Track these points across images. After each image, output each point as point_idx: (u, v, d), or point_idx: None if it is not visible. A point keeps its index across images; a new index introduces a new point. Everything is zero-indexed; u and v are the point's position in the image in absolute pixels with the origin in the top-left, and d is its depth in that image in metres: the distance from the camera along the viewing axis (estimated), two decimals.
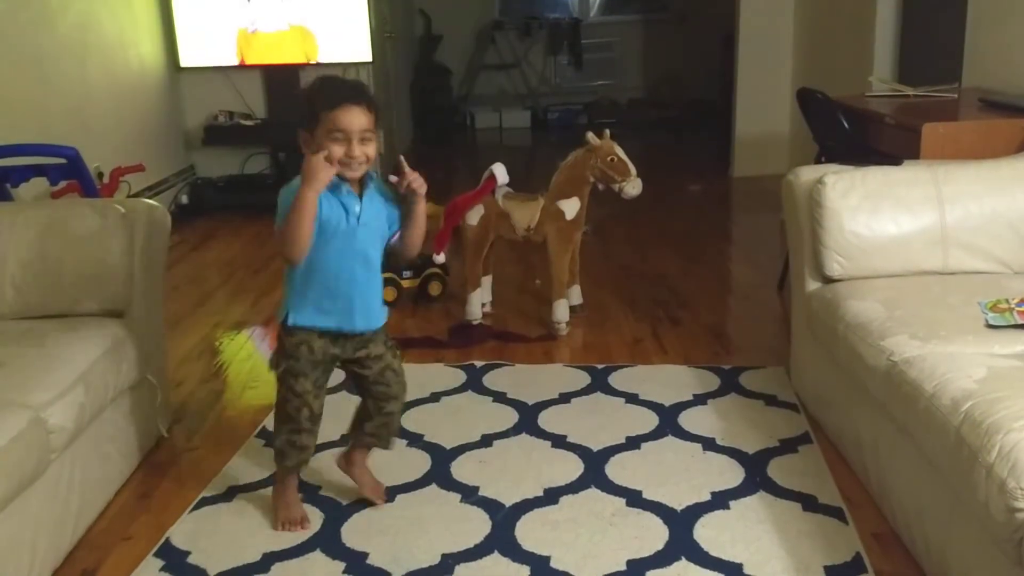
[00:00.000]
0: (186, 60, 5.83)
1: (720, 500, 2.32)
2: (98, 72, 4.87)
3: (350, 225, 2.10)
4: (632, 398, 2.93)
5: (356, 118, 2.02)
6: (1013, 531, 1.58)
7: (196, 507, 2.38)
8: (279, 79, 5.97)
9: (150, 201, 2.79)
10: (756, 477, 2.42)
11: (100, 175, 4.51)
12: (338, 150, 2.02)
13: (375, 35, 6.00)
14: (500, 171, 3.50)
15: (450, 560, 2.11)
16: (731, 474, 2.44)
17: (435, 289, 3.94)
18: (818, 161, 3.52)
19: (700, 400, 2.89)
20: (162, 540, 2.23)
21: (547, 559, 2.10)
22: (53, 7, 4.41)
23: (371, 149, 2.06)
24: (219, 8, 5.78)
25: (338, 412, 2.56)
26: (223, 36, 5.82)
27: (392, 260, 2.43)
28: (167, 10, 5.73)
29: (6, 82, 3.93)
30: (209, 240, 5.23)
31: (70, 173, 3.69)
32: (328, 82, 2.11)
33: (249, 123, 5.96)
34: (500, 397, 2.98)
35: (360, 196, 2.11)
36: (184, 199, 5.79)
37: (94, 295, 2.51)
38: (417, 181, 2.12)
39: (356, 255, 2.13)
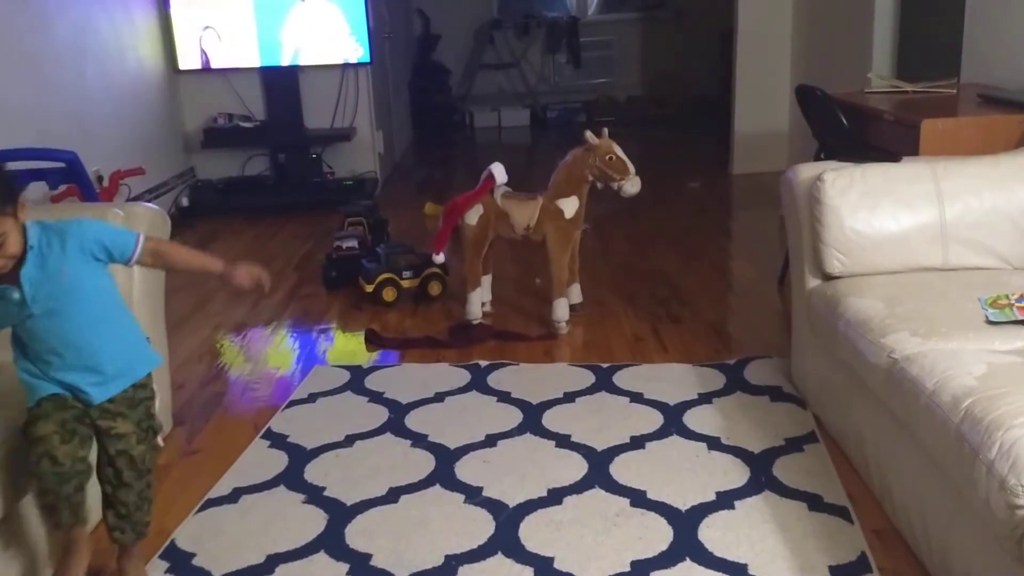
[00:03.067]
0: (184, 63, 5.83)
1: (725, 500, 2.31)
2: (96, 76, 4.87)
3: (21, 316, 1.87)
4: (637, 397, 2.93)
5: None
6: (1013, 528, 1.58)
7: (201, 508, 2.39)
8: (278, 81, 5.97)
9: (149, 204, 2.79)
10: (761, 477, 2.42)
11: (99, 179, 4.51)
12: None
13: (373, 35, 6.01)
14: (499, 170, 3.50)
15: (454, 561, 2.11)
16: (736, 474, 2.44)
17: (435, 289, 3.94)
18: (817, 158, 3.51)
19: (705, 399, 2.89)
20: (167, 542, 2.23)
21: (551, 560, 2.10)
22: (50, 11, 4.41)
23: (9, 245, 1.80)
24: (217, 10, 5.78)
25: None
26: (223, 38, 5.81)
27: None
28: (165, 13, 5.73)
29: (4, 86, 3.93)
30: (210, 242, 5.23)
31: (69, 177, 3.70)
32: None
33: (248, 125, 5.97)
34: (504, 397, 2.98)
35: (21, 279, 1.84)
36: (184, 201, 5.79)
37: None
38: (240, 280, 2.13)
39: (51, 333, 1.89)
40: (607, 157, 3.32)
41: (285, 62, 5.88)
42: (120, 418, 1.93)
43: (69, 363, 1.89)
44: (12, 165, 3.54)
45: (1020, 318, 2.15)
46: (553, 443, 2.66)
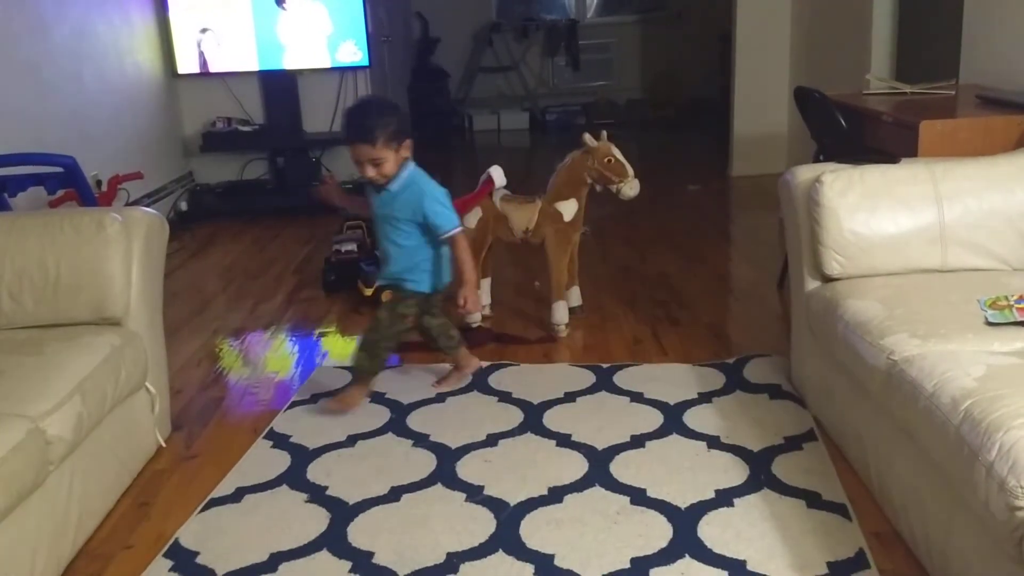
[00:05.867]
0: (183, 67, 5.84)
1: (724, 498, 2.32)
2: (95, 80, 4.87)
3: (375, 213, 2.86)
4: (637, 397, 2.93)
5: (360, 152, 2.70)
6: (1013, 529, 1.58)
7: (205, 508, 2.40)
8: (276, 84, 5.97)
9: (147, 209, 2.79)
10: (760, 475, 2.42)
11: (98, 183, 4.51)
12: (357, 167, 2.75)
13: (372, 38, 6.01)
14: (497, 174, 3.50)
15: (455, 559, 2.12)
16: (735, 472, 2.44)
17: None
18: (816, 160, 3.52)
19: (705, 398, 2.89)
20: (171, 541, 2.25)
21: (551, 557, 2.11)
22: (48, 15, 4.41)
23: (385, 167, 2.71)
24: (215, 13, 5.78)
25: None
26: (221, 42, 5.82)
27: None
28: (163, 16, 5.73)
29: (2, 91, 3.93)
30: (208, 246, 5.24)
31: (68, 182, 3.69)
32: (348, 116, 2.77)
33: (247, 129, 5.97)
34: (505, 397, 2.99)
35: (383, 193, 2.79)
36: (183, 206, 5.79)
37: (92, 304, 2.51)
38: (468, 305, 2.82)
39: (382, 232, 2.87)
40: (606, 160, 3.32)
41: (284, 66, 5.89)
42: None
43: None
44: (10, 170, 3.56)
45: (1019, 319, 2.15)
46: (554, 442, 2.67)
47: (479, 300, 2.89)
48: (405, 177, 2.77)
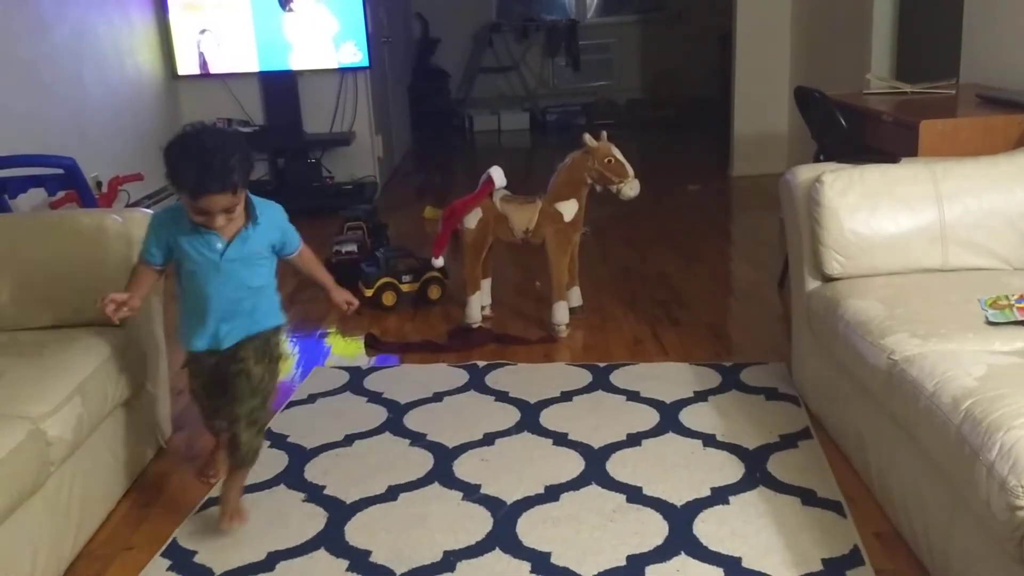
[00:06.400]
0: (183, 68, 5.83)
1: (720, 495, 2.33)
2: (95, 81, 4.86)
3: (216, 265, 2.23)
4: (633, 396, 2.94)
5: (216, 203, 2.11)
6: (1014, 529, 1.58)
7: (203, 507, 2.41)
8: (277, 85, 5.97)
9: (148, 210, 2.79)
10: (756, 473, 2.43)
11: (98, 185, 4.51)
12: (201, 219, 2.14)
13: (372, 39, 6.01)
14: (497, 174, 3.50)
15: (452, 557, 2.13)
16: (731, 470, 2.45)
17: (435, 293, 3.94)
18: (816, 159, 3.52)
19: (701, 397, 2.90)
20: (169, 540, 2.26)
21: (548, 555, 2.11)
22: (48, 16, 4.41)
23: (236, 211, 2.17)
24: (215, 14, 5.78)
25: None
26: (221, 43, 5.81)
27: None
28: (163, 18, 5.73)
29: (2, 92, 3.93)
30: None
31: (68, 183, 3.69)
32: (194, 161, 2.07)
33: (247, 130, 5.95)
34: (502, 396, 2.99)
35: (239, 234, 2.22)
36: None
37: (92, 305, 2.50)
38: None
39: (227, 281, 2.26)
40: (606, 160, 3.32)
41: (285, 66, 5.88)
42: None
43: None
44: (10, 172, 3.55)
45: (1020, 319, 2.15)
46: (550, 441, 2.68)
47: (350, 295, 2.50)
48: (255, 207, 2.25)
